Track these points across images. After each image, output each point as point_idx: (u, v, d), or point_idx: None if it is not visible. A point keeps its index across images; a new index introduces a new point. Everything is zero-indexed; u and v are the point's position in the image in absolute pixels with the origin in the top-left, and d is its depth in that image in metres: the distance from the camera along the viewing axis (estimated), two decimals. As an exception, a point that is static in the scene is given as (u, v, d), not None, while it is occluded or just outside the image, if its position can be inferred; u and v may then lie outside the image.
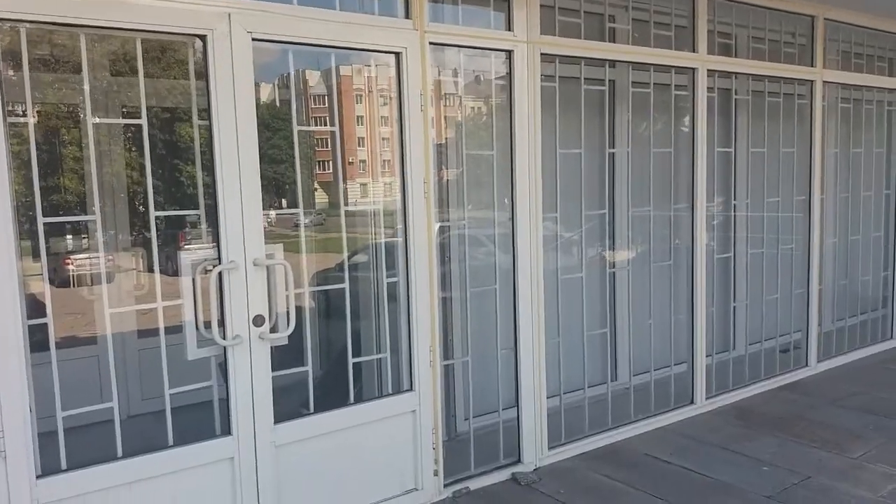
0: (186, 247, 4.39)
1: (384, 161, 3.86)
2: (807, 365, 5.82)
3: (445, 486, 3.77)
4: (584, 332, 4.44)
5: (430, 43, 3.47)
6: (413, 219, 3.51)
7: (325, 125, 4.40)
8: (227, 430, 3.08)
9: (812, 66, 5.53)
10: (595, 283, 4.68)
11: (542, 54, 3.86)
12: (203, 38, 2.83)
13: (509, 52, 3.77)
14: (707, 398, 5.04)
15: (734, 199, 5.36)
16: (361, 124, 4.16)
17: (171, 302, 3.02)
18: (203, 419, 3.15)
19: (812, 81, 5.56)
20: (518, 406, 4.06)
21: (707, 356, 5.03)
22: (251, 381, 3.09)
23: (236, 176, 2.96)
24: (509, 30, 3.76)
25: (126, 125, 4.87)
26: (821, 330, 5.92)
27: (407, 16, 3.41)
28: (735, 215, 5.43)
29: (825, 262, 5.97)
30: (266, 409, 3.14)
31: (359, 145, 4.12)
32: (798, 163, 5.63)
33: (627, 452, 4.34)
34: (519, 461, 4.06)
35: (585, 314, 4.43)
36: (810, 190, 5.69)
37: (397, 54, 3.39)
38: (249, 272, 3.05)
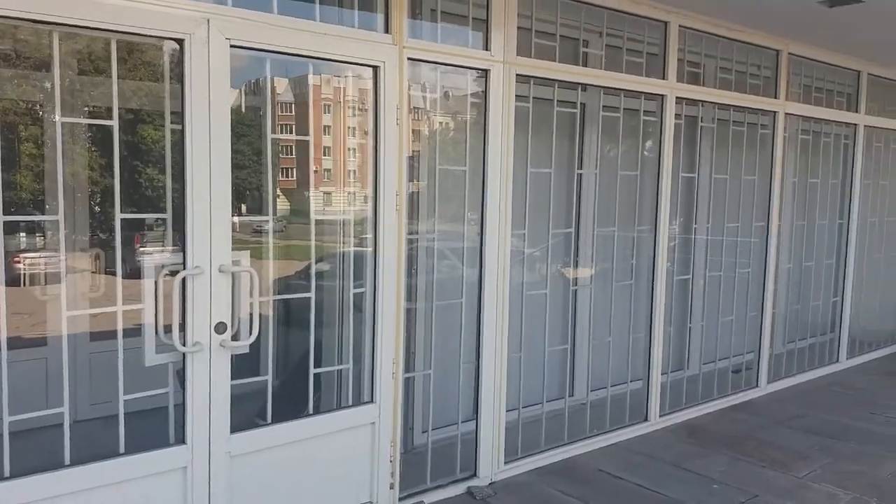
0: (142, 249, 4.30)
1: (350, 171, 3.87)
2: (757, 385, 5.99)
3: (401, 499, 3.78)
4: (546, 348, 4.50)
5: (409, 58, 3.48)
6: (384, 230, 3.52)
7: (291, 133, 4.36)
8: (181, 439, 3.04)
9: (776, 97, 5.70)
10: (558, 299, 4.75)
11: (517, 75, 3.91)
12: (181, 41, 2.80)
13: (485, 72, 3.81)
14: (661, 416, 5.15)
15: (695, 223, 5.49)
16: (328, 133, 4.16)
17: (131, 306, 2.97)
18: (157, 427, 3.10)
19: (775, 112, 5.74)
20: (477, 420, 4.09)
21: (662, 374, 5.14)
22: (209, 389, 3.05)
23: (206, 181, 2.93)
24: (486, 49, 3.80)
25: (89, 125, 4.77)
26: (772, 352, 6.10)
27: (387, 30, 3.42)
28: (695, 238, 5.57)
29: (779, 287, 6.14)
30: (223, 418, 3.11)
31: (324, 154, 4.11)
32: (758, 190, 5.80)
33: (582, 468, 4.40)
34: (475, 475, 4.09)
35: (548, 330, 4.49)
36: (769, 217, 5.87)
37: (375, 68, 3.40)
38: (214, 278, 3.02)
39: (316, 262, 3.63)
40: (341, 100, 3.76)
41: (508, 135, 3.93)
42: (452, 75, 3.87)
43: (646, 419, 5.07)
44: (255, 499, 3.25)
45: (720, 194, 5.61)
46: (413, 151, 3.77)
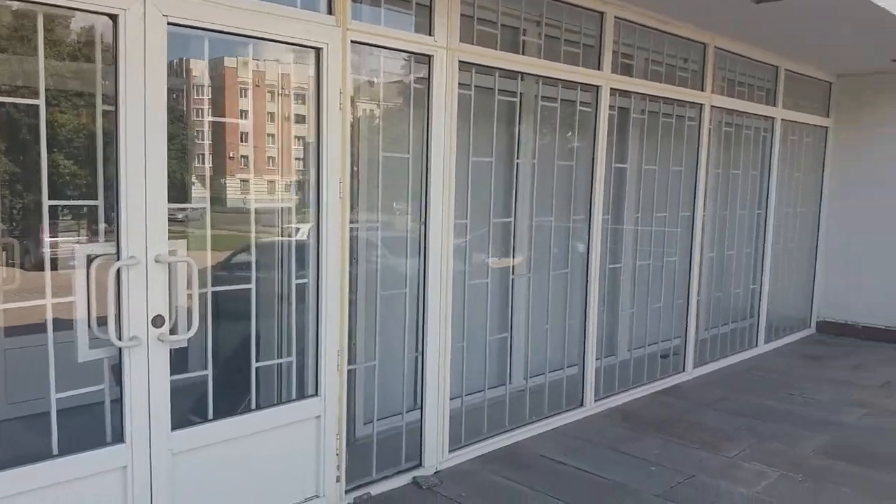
0: (68, 239, 4.03)
1: (286, 159, 3.74)
2: (684, 370, 6.22)
3: (347, 492, 3.72)
4: (487, 336, 4.52)
5: (353, 41, 3.40)
6: (327, 218, 3.43)
7: (215, 117, 4.18)
8: (119, 438, 2.88)
9: (703, 90, 5.91)
10: (498, 288, 4.78)
11: (460, 62, 3.89)
12: (114, 17, 2.64)
13: (429, 58, 3.77)
14: (596, 401, 5.28)
15: (626, 213, 5.63)
16: (273, 121, 4.01)
17: (61, 299, 2.79)
18: (92, 426, 2.93)
19: (702, 105, 5.95)
20: (422, 410, 4.07)
21: (596, 360, 5.26)
22: (148, 385, 2.91)
23: (142, 166, 2.77)
24: (430, 35, 3.76)
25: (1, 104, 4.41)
26: (697, 338, 6.35)
27: (329, 11, 3.33)
28: (625, 228, 5.72)
29: (703, 275, 6.39)
30: (163, 414, 2.97)
31: (262, 141, 3.96)
32: (685, 181, 6.01)
33: (524, 454, 4.46)
34: (420, 465, 4.07)
35: (489, 318, 4.51)
36: (694, 207, 6.09)
37: (318, 50, 3.30)
38: (151, 269, 2.87)
39: (255, 252, 3.50)
40: (286, 86, 3.63)
41: (452, 123, 3.91)
42: (395, 60, 3.82)
43: (582, 404, 5.18)
44: (199, 497, 3.12)
45: (649, 185, 5.78)
46: (355, 137, 3.69)
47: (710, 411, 5.38)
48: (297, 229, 3.68)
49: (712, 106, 6.04)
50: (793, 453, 4.55)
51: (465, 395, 4.37)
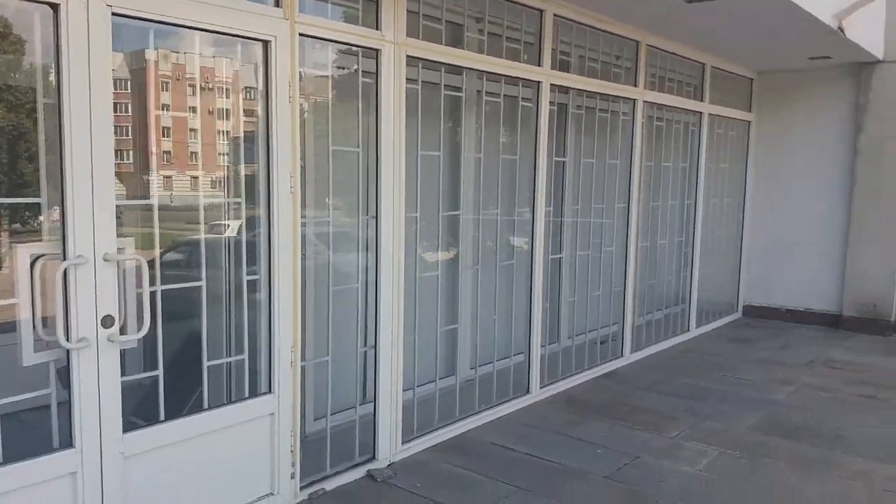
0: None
1: (224, 154, 3.68)
2: (622, 355, 6.45)
3: (302, 488, 3.71)
4: (438, 328, 4.58)
5: (301, 34, 3.39)
6: (278, 213, 3.40)
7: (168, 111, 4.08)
8: (68, 443, 2.80)
9: (636, 86, 6.13)
10: (448, 280, 4.84)
11: (407, 56, 3.92)
12: (55, 7, 2.55)
13: (377, 52, 3.79)
14: (541, 387, 5.42)
15: (565, 206, 5.79)
16: (225, 118, 3.93)
17: (2, 301, 2.68)
18: (38, 432, 2.83)
19: (635, 100, 6.16)
20: (375, 403, 4.09)
21: (541, 348, 5.40)
22: (98, 387, 2.83)
23: (88, 162, 2.69)
24: (378, 29, 3.77)
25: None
26: (633, 324, 6.59)
27: (277, 4, 3.30)
28: (564, 220, 5.88)
29: (638, 263, 6.63)
30: (114, 417, 2.89)
31: (184, 136, 3.86)
32: (620, 174, 6.22)
33: (475, 442, 4.54)
34: (374, 458, 4.09)
35: (439, 310, 4.57)
36: (629, 198, 6.32)
37: (266, 42, 3.27)
38: (99, 268, 2.79)
39: (205, 249, 3.44)
40: (237, 82, 3.56)
41: (400, 117, 3.94)
42: (343, 54, 3.81)
43: (528, 391, 5.31)
44: (153, 500, 3.06)
45: (587, 178, 5.96)
46: (305, 131, 3.67)
47: (650, 394, 5.60)
48: (243, 225, 3.62)
49: (644, 101, 6.27)
50: (730, 431, 4.79)
51: (417, 387, 4.42)
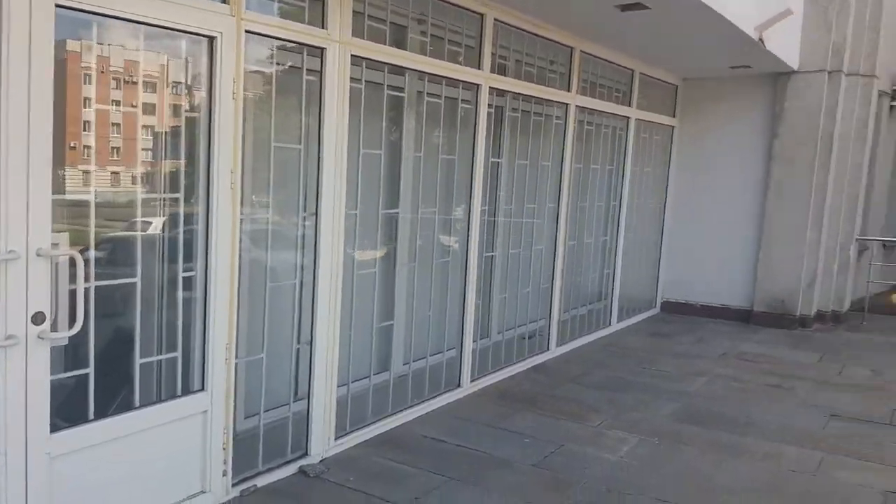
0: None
1: (161, 149, 3.61)
2: (548, 349, 6.69)
3: (234, 485, 3.71)
4: (374, 325, 4.64)
5: (247, 31, 3.37)
6: (217, 209, 3.39)
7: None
8: (-10, 444, 2.73)
9: (569, 91, 6.33)
10: (384, 278, 4.91)
11: (352, 56, 3.95)
12: (-5, -4, 2.46)
13: (322, 50, 3.80)
14: (472, 381, 5.57)
15: (499, 205, 5.94)
16: (157, 115, 3.83)
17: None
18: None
19: (567, 105, 6.37)
20: (309, 399, 4.13)
21: (472, 342, 5.55)
22: (26, 386, 2.77)
23: (24, 153, 2.63)
24: (324, 28, 3.79)
25: None
26: (559, 319, 6.83)
27: (224, 0, 3.27)
28: (498, 220, 6.03)
29: (566, 261, 6.86)
30: (42, 417, 2.83)
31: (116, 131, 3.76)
32: (551, 175, 6.42)
33: (407, 436, 4.64)
34: (307, 454, 4.13)
35: (375, 306, 4.63)
36: (559, 199, 6.53)
37: (212, 39, 3.25)
38: (32, 263, 2.73)
39: (140, 245, 3.39)
40: (159, 74, 3.49)
41: (343, 115, 3.97)
42: (288, 52, 3.80)
43: (459, 385, 5.45)
44: (80, 501, 3.02)
45: (521, 178, 6.13)
46: (247, 128, 3.64)
47: (574, 386, 5.85)
48: (180, 220, 3.57)
49: (577, 106, 6.49)
50: (650, 420, 5.09)
51: (352, 383, 4.47)
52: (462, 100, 5.09)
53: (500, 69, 5.44)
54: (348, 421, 4.43)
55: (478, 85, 5.14)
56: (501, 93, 5.54)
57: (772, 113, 8.32)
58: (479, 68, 5.12)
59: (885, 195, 10.38)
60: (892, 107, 9.70)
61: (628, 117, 7.61)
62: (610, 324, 7.92)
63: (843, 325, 8.62)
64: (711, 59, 7.46)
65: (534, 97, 5.90)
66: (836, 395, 5.83)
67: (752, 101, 8.46)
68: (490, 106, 5.32)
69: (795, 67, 7.97)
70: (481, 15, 5.06)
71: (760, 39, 6.54)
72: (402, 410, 4.87)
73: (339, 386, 4.31)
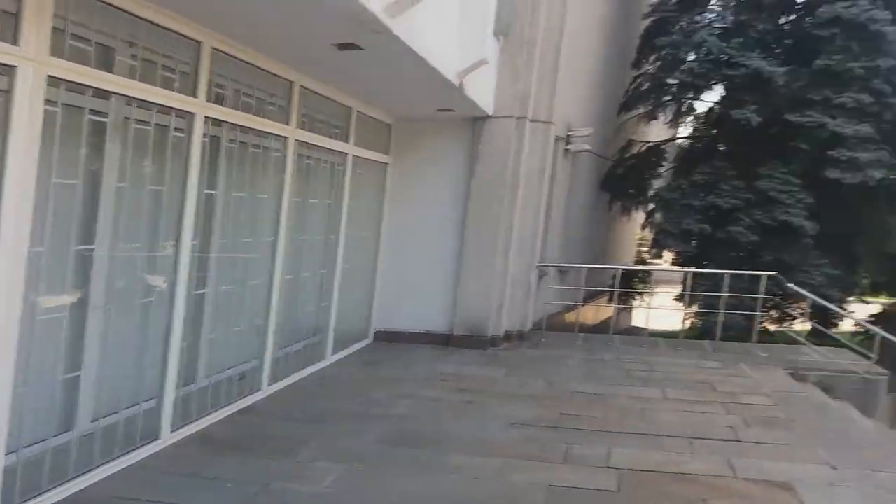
0: None
1: None
2: (260, 389, 6.46)
3: None
4: (58, 378, 4.06)
5: None
6: None
7: None
8: None
9: (288, 124, 6.28)
10: (73, 323, 4.32)
11: (48, 76, 3.46)
12: None
13: (12, 69, 3.28)
14: (173, 431, 5.14)
15: (213, 239, 5.63)
16: None
17: None
18: None
19: (286, 138, 6.31)
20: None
21: (175, 389, 5.14)
22: None
23: None
24: (16, 45, 3.26)
25: None
26: (273, 356, 6.67)
27: None
28: (211, 255, 5.70)
29: (283, 296, 6.73)
30: None
31: None
32: (269, 208, 6.29)
33: (95, 499, 4.14)
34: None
35: (63, 356, 4.06)
36: (277, 233, 6.42)
37: None
38: None
39: None
40: None
41: (34, 142, 3.45)
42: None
43: (158, 438, 4.99)
44: None
45: (237, 211, 5.88)
46: None
47: (285, 423, 5.77)
48: None
49: (296, 140, 6.46)
50: (356, 447, 5.20)
51: (24, 448, 3.84)
52: (175, 128, 4.74)
53: (217, 98, 5.19)
54: (16, 494, 3.78)
55: (192, 113, 4.83)
56: (218, 122, 5.28)
57: (471, 154, 9.16)
58: (194, 96, 4.82)
59: (560, 226, 11.99)
60: (565, 150, 11.29)
61: (346, 153, 7.79)
62: (325, 357, 7.94)
63: (527, 342, 9.76)
64: (420, 100, 7.99)
65: (252, 129, 5.73)
66: (517, 405, 6.52)
67: (456, 142, 9.23)
68: (206, 136, 5.03)
69: (490, 112, 8.90)
70: (198, 42, 4.78)
71: (461, 85, 7.16)
72: (88, 471, 4.30)
73: (7, 454, 3.67)
